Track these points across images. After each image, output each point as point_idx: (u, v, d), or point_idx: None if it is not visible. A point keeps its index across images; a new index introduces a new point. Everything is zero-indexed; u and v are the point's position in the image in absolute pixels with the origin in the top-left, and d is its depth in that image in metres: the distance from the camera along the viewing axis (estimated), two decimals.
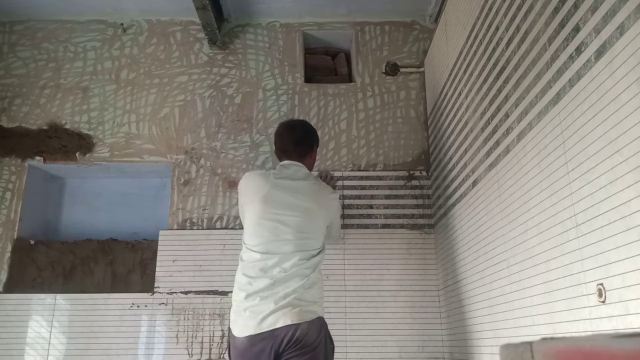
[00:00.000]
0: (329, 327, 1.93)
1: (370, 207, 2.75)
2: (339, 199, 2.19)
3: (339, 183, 2.79)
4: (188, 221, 2.75)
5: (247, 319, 1.81)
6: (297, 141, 2.12)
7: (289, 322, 1.77)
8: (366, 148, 2.87)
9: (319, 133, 2.86)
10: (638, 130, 1.01)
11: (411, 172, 2.82)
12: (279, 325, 1.77)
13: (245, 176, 2.12)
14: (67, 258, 2.76)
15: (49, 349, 2.54)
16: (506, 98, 1.71)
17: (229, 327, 1.90)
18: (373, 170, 2.83)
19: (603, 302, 1.13)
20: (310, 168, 2.17)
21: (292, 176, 2.04)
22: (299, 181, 2.04)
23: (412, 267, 2.66)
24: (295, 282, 1.84)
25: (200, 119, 2.93)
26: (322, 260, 1.98)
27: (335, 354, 1.99)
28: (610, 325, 1.11)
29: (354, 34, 3.09)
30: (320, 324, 1.86)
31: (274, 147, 2.22)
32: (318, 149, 2.31)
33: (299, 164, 2.10)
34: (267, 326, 1.78)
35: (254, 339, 1.78)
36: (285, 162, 2.10)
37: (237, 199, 2.22)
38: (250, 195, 2.00)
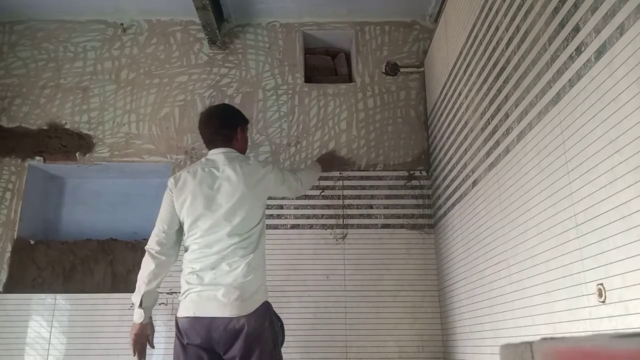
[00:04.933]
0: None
1: (370, 207, 2.75)
2: (272, 168, 2.12)
3: (339, 183, 2.79)
4: None
5: None
6: (217, 129, 2.10)
7: None
8: (366, 148, 2.87)
9: (318, 133, 2.89)
10: (638, 130, 1.01)
11: (411, 172, 2.82)
12: None
13: (173, 179, 2.06)
14: (67, 258, 2.76)
15: (49, 349, 2.54)
16: (506, 98, 1.71)
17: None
18: (373, 170, 2.83)
19: (603, 302, 1.13)
20: (242, 148, 2.16)
21: (219, 166, 2.02)
22: (228, 167, 2.00)
23: (412, 267, 2.66)
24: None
25: None
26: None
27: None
28: (610, 325, 1.11)
29: (354, 34, 3.09)
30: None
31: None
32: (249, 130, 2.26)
33: (227, 149, 2.08)
34: None
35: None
36: (212, 151, 2.09)
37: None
38: (182, 196, 2.00)
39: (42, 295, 2.62)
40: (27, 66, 3.02)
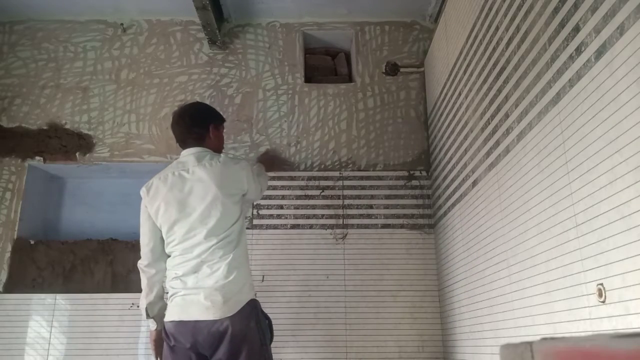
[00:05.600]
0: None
1: (370, 207, 2.75)
2: (246, 165, 2.11)
3: (339, 183, 2.79)
4: None
5: None
6: (188, 128, 2.06)
7: None
8: (366, 148, 2.87)
9: (318, 133, 2.89)
10: (638, 130, 1.01)
11: (411, 172, 2.82)
12: None
13: (145, 188, 2.06)
14: (67, 258, 2.76)
15: (49, 349, 2.54)
16: (506, 98, 1.71)
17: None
18: (373, 170, 2.83)
19: (603, 302, 1.13)
20: (216, 147, 2.11)
21: (189, 168, 1.99)
22: (197, 168, 1.98)
23: (412, 267, 2.66)
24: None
25: None
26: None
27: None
28: (610, 325, 1.11)
29: (354, 34, 3.09)
30: None
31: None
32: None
33: (199, 148, 2.05)
34: None
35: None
36: (183, 152, 2.07)
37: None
38: (155, 204, 2.00)
39: (42, 295, 2.62)
40: (27, 66, 3.02)
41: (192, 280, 1.88)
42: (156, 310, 1.99)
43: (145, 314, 1.98)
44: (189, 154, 2.05)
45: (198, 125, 2.08)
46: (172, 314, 1.89)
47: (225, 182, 1.97)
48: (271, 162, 2.73)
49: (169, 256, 2.00)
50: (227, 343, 1.80)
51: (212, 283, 1.85)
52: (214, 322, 1.81)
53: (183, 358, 1.86)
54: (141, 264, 2.01)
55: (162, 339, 1.97)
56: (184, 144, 2.09)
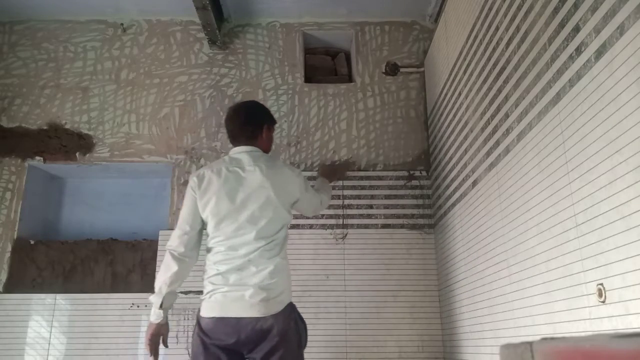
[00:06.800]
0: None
1: (370, 207, 2.75)
2: (300, 173, 2.07)
3: (339, 183, 2.79)
4: None
5: None
6: (242, 124, 2.03)
7: None
8: (366, 148, 2.87)
9: (318, 133, 2.89)
10: (638, 130, 1.01)
11: (411, 172, 2.82)
12: None
13: (196, 178, 1.99)
14: (67, 258, 2.76)
15: (49, 349, 2.54)
16: (506, 98, 1.71)
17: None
18: (373, 170, 2.83)
19: (603, 302, 1.13)
20: (266, 148, 2.09)
21: (244, 166, 1.96)
22: (254, 168, 1.95)
23: (412, 267, 2.66)
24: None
25: (200, 119, 2.93)
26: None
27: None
28: (610, 325, 1.11)
29: (354, 34, 3.09)
30: None
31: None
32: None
33: (251, 147, 2.02)
34: None
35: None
36: (236, 149, 2.03)
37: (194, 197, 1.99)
38: (206, 196, 1.94)
39: (42, 295, 2.62)
40: (27, 66, 3.02)
41: (234, 277, 1.84)
42: (171, 302, 1.92)
43: (160, 303, 1.86)
44: (242, 152, 2.01)
45: (252, 124, 2.05)
46: (212, 310, 1.83)
47: (280, 187, 1.95)
48: (332, 172, 2.70)
49: (208, 252, 1.94)
50: (269, 341, 1.78)
51: (258, 281, 1.82)
52: (257, 319, 1.78)
53: (213, 357, 1.81)
54: (175, 250, 1.91)
55: (159, 334, 1.91)
56: (235, 140, 2.05)
